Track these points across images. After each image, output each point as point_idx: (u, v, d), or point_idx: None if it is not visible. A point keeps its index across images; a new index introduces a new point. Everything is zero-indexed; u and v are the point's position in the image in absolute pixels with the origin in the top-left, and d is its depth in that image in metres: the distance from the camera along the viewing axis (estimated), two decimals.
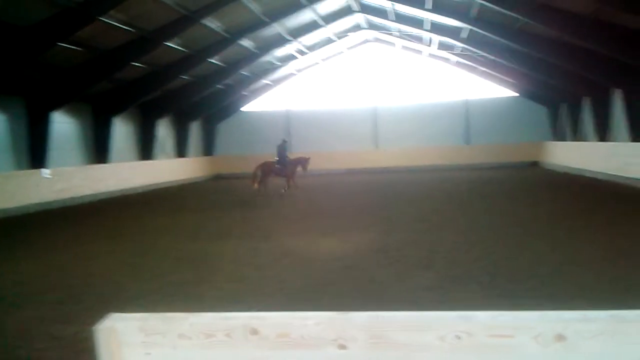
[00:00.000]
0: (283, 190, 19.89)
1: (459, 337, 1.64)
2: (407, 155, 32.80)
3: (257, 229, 12.01)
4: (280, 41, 27.43)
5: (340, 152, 33.66)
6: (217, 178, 32.58)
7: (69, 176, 20.25)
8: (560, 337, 1.61)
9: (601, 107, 24.76)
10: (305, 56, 31.36)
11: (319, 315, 1.73)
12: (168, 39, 20.68)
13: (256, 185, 19.51)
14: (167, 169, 28.23)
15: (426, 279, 7.11)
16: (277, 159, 20.50)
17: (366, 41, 34.21)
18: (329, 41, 30.51)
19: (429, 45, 30.78)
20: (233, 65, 27.72)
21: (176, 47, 22.17)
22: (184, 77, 25.62)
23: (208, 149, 34.85)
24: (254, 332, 1.72)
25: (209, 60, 24.90)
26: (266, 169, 20.01)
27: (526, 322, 1.64)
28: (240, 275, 7.71)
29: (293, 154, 34.47)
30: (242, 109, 35.40)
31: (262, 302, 6.29)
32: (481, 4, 20.32)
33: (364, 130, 34.48)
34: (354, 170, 32.00)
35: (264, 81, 33.28)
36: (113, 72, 20.84)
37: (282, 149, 20.83)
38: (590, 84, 24.37)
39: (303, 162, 20.51)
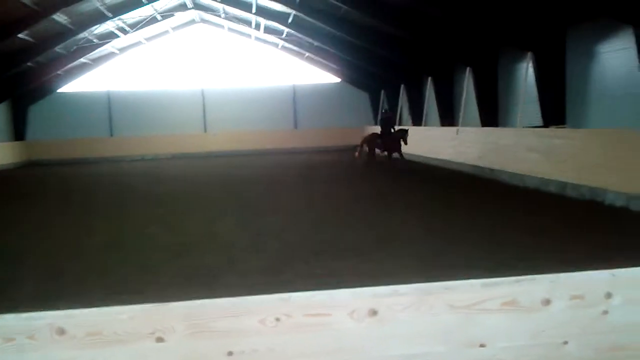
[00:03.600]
0: (383, 165, 19.58)
1: (278, 319, 1.66)
2: (236, 139, 32.73)
3: (78, 220, 11.25)
4: (98, 18, 25.65)
5: (166, 135, 32.62)
6: (30, 165, 29.91)
7: None
8: (373, 312, 1.69)
9: (415, 94, 26.73)
10: (127, 35, 29.75)
11: (133, 308, 1.64)
12: None
13: (357, 155, 19.85)
14: None
15: (257, 261, 7.17)
16: (381, 131, 20.02)
17: (193, 22, 33.32)
18: (153, 20, 29.22)
19: (256, 29, 30.85)
20: (45, 42, 25.40)
21: None
22: None
23: (18, 133, 31.75)
24: (61, 332, 1.58)
25: (17, 35, 22.56)
26: (371, 142, 19.76)
27: (341, 299, 1.70)
28: (61, 269, 7.17)
29: (116, 138, 32.95)
30: (58, 90, 32.74)
31: (81, 296, 5.91)
32: None
33: (191, 114, 33.71)
34: (180, 155, 31.20)
35: (83, 60, 31.01)
36: None
37: (386, 121, 20.23)
38: (405, 71, 26.17)
39: (404, 134, 19.80)
